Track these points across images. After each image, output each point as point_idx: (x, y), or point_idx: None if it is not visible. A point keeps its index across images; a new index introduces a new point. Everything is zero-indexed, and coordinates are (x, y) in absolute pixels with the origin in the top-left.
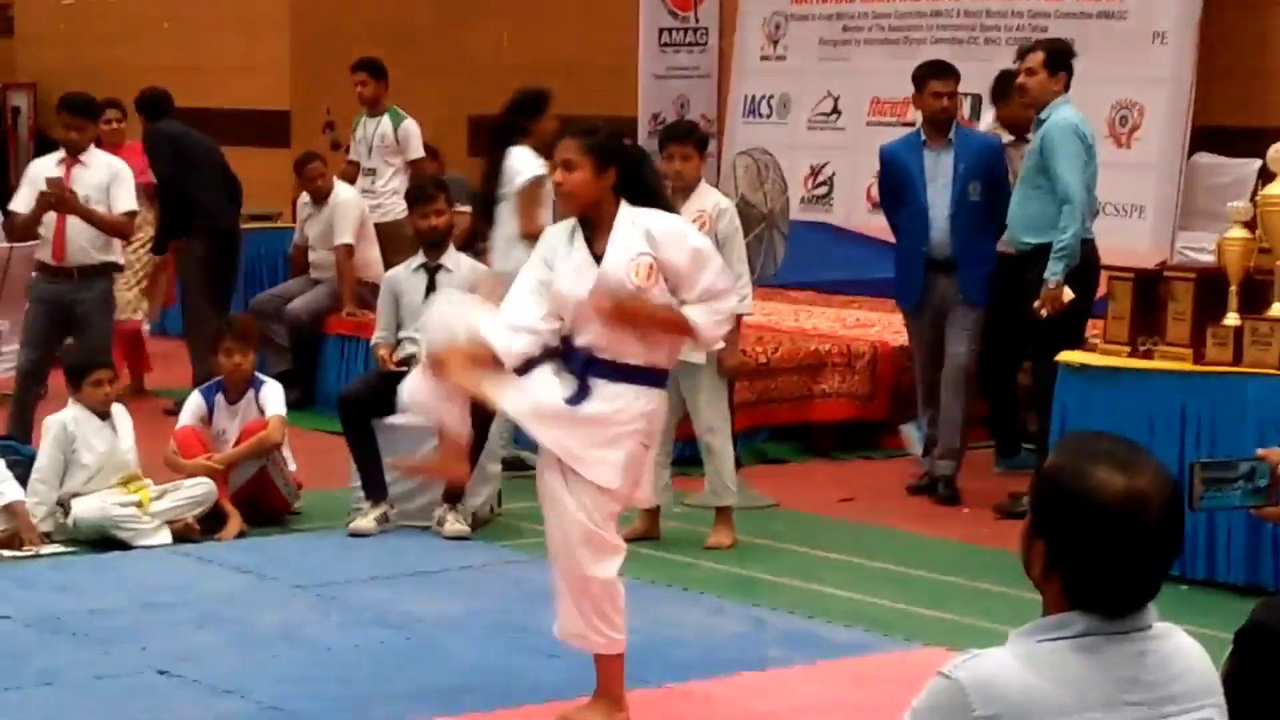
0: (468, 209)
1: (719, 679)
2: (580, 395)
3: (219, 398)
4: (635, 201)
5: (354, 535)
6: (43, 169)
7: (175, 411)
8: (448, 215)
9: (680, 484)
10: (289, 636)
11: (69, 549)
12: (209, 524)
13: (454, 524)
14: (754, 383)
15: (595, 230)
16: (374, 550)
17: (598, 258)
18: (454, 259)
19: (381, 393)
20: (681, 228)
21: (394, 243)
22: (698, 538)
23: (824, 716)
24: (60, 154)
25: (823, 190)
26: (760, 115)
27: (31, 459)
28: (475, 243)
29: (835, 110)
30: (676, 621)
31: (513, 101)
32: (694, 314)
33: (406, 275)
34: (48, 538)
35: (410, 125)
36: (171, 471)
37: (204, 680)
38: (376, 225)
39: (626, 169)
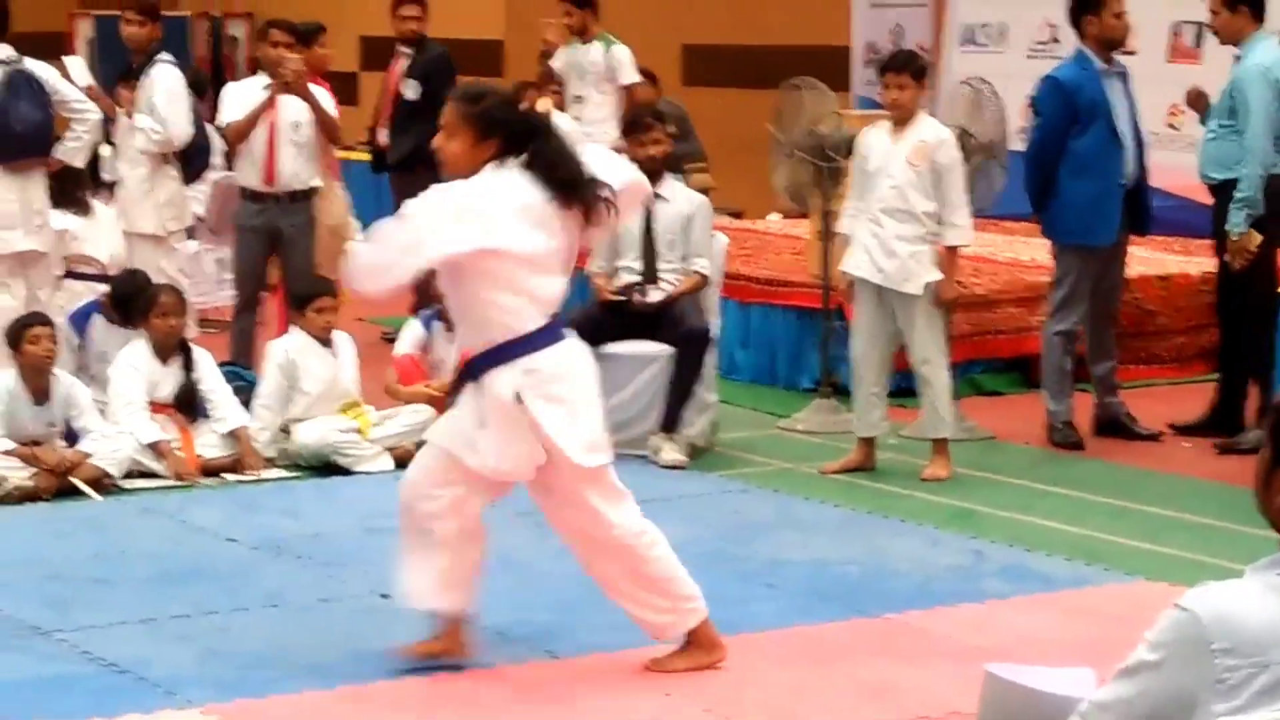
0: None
1: (936, 610)
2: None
3: (437, 325)
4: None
5: None
6: (248, 90)
7: (393, 339)
8: (665, 144)
9: (896, 415)
10: (507, 562)
11: (292, 474)
12: None
13: (670, 453)
14: (971, 314)
15: None
16: None
17: None
18: (670, 188)
19: (600, 322)
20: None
21: None
22: (914, 469)
23: (1042, 650)
24: (264, 79)
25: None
26: (977, 44)
27: (254, 385)
28: (685, 165)
29: (1054, 39)
30: (893, 552)
31: None
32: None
33: None
34: (271, 462)
35: (620, 51)
36: (391, 398)
37: None
38: None
39: (511, 142)
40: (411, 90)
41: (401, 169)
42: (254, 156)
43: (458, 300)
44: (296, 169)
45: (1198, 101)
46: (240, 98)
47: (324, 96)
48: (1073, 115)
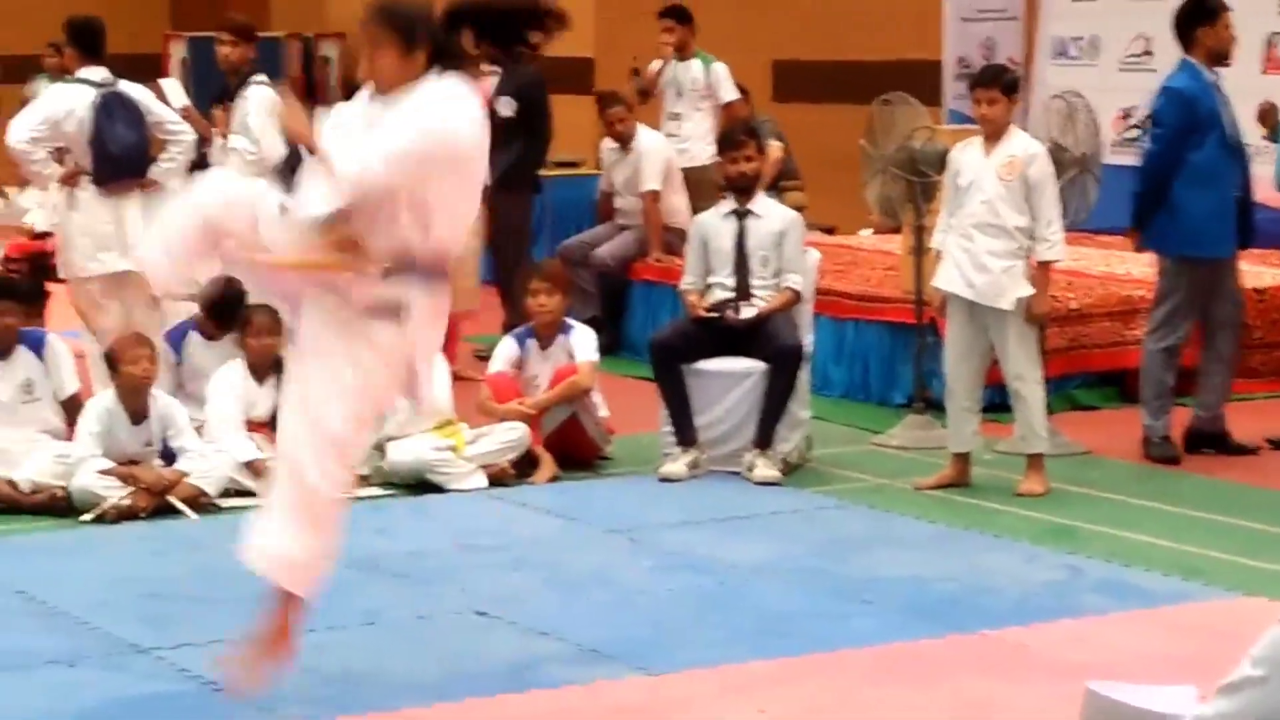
0: (780, 145)
1: (1033, 626)
2: None
3: (531, 343)
4: (443, 62)
5: (664, 480)
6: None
7: (486, 357)
8: (757, 161)
9: (991, 430)
10: (602, 579)
11: (386, 492)
12: (522, 468)
13: (764, 469)
14: (1065, 329)
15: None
16: (684, 495)
17: None
18: (763, 204)
19: (692, 338)
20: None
21: (702, 188)
22: (1009, 484)
23: (1142, 666)
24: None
25: (1135, 133)
26: (1069, 57)
27: None
28: (780, 183)
29: (1147, 51)
30: (989, 568)
31: None
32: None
33: (715, 220)
34: (365, 481)
35: (720, 68)
36: (485, 416)
37: (521, 621)
38: (684, 170)
39: (436, 45)
40: (507, 108)
41: (501, 187)
42: None
43: None
44: None
45: (1266, 117)
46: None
47: None
48: (1192, 126)
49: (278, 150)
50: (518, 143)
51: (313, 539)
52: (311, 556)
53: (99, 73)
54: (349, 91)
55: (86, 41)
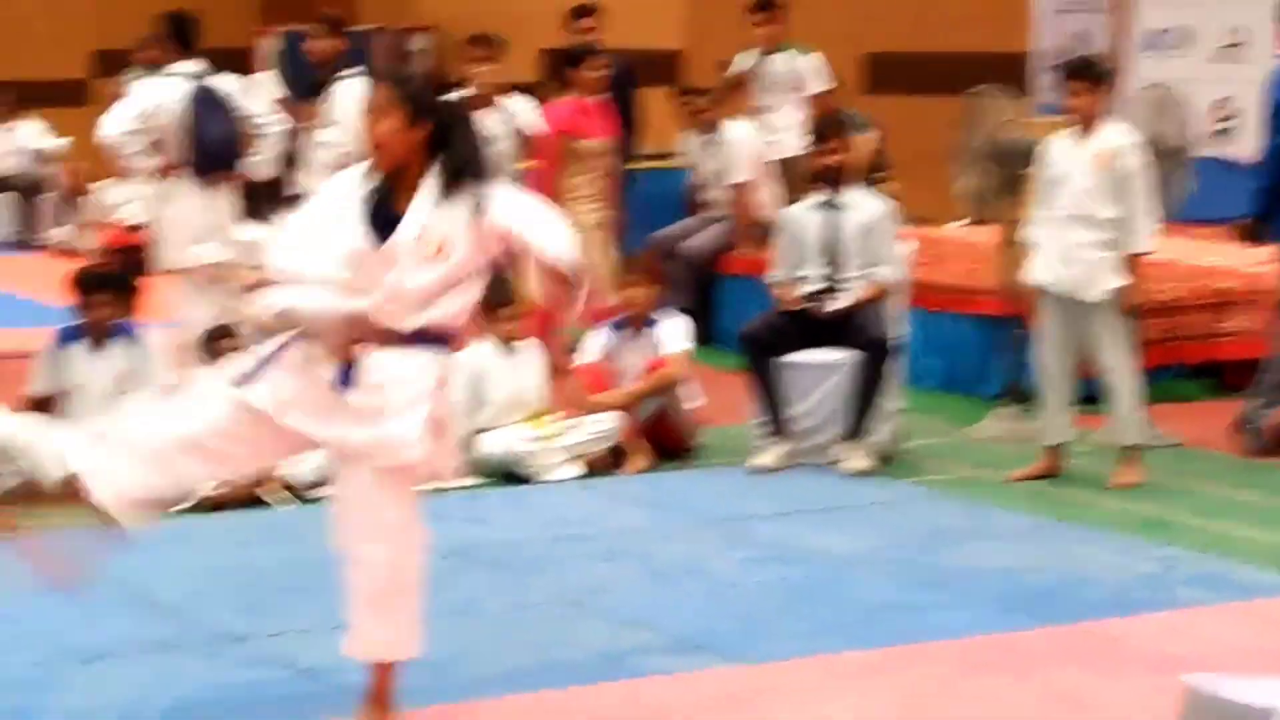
0: (872, 137)
1: (1128, 619)
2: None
3: (622, 334)
4: (450, 165)
5: (755, 471)
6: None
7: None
8: (846, 153)
9: (1085, 422)
10: (694, 570)
11: (479, 482)
12: (614, 459)
13: (855, 460)
14: (1159, 321)
15: (397, 190)
16: (776, 486)
17: (392, 220)
18: (854, 196)
19: (783, 331)
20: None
21: (792, 179)
22: (1102, 476)
23: (1239, 659)
24: (464, 92)
25: (1227, 124)
26: (1161, 48)
27: None
28: (872, 175)
29: (1239, 42)
30: (1084, 560)
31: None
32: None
33: (806, 212)
34: (458, 472)
35: (812, 60)
36: (576, 407)
37: (613, 612)
38: (774, 162)
39: (441, 126)
40: None
41: None
42: None
43: None
44: None
45: None
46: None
47: (526, 108)
48: None
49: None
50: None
51: (400, 614)
52: (403, 629)
53: (193, 66)
54: (438, 88)
55: (181, 35)
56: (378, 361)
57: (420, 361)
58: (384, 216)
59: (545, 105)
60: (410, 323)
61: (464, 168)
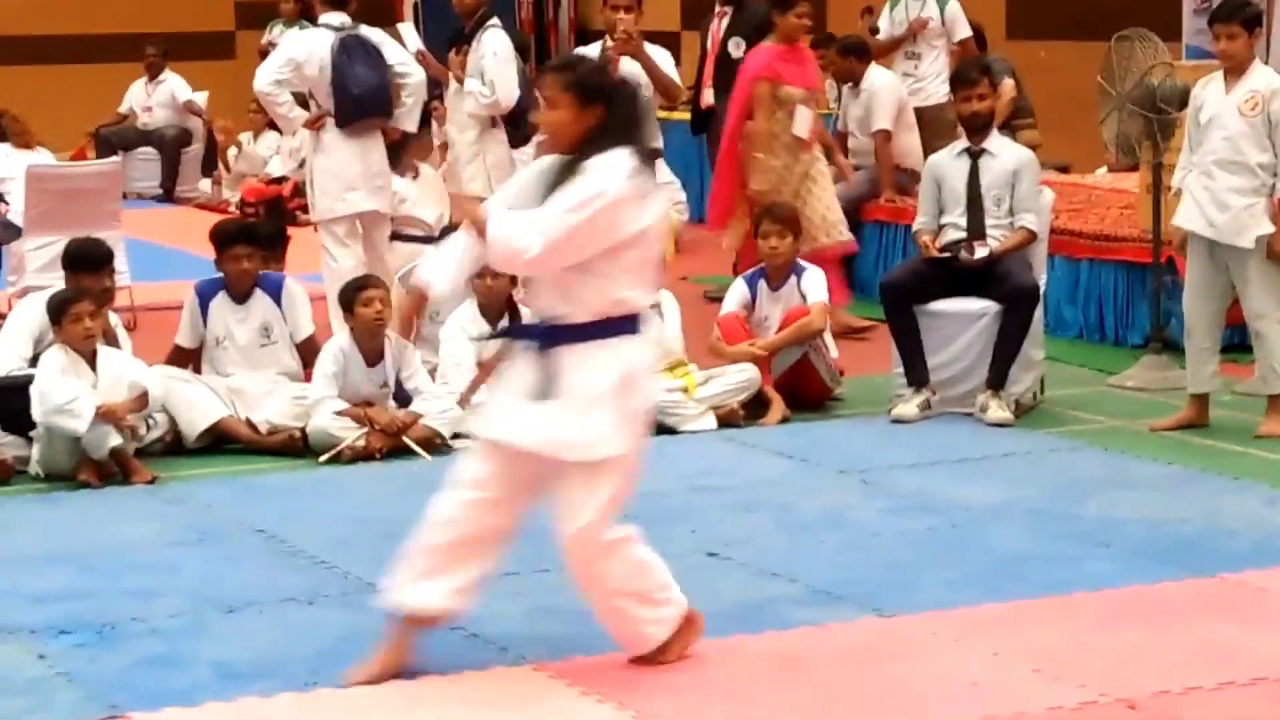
0: (1013, 83)
1: (1273, 570)
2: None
3: (762, 284)
4: (620, 141)
5: (896, 421)
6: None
7: (717, 298)
8: (990, 99)
9: (1230, 371)
10: (834, 521)
11: None
12: (753, 409)
13: (997, 410)
14: None
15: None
16: (916, 436)
17: None
18: (997, 143)
19: (925, 279)
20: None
21: (937, 127)
22: (1248, 426)
23: None
24: (604, 42)
25: None
26: None
27: None
28: (1013, 121)
29: None
30: (1228, 511)
31: None
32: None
33: (949, 160)
34: None
35: (955, 6)
36: (716, 358)
37: (752, 563)
38: (918, 110)
39: (612, 108)
40: (736, 49)
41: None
42: None
43: None
44: None
45: None
46: None
47: (664, 58)
48: None
49: (511, 94)
50: None
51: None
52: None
53: (339, 18)
54: (581, 37)
55: None
56: (564, 358)
57: (603, 356)
58: None
59: (749, 51)
60: (583, 312)
61: (618, 137)
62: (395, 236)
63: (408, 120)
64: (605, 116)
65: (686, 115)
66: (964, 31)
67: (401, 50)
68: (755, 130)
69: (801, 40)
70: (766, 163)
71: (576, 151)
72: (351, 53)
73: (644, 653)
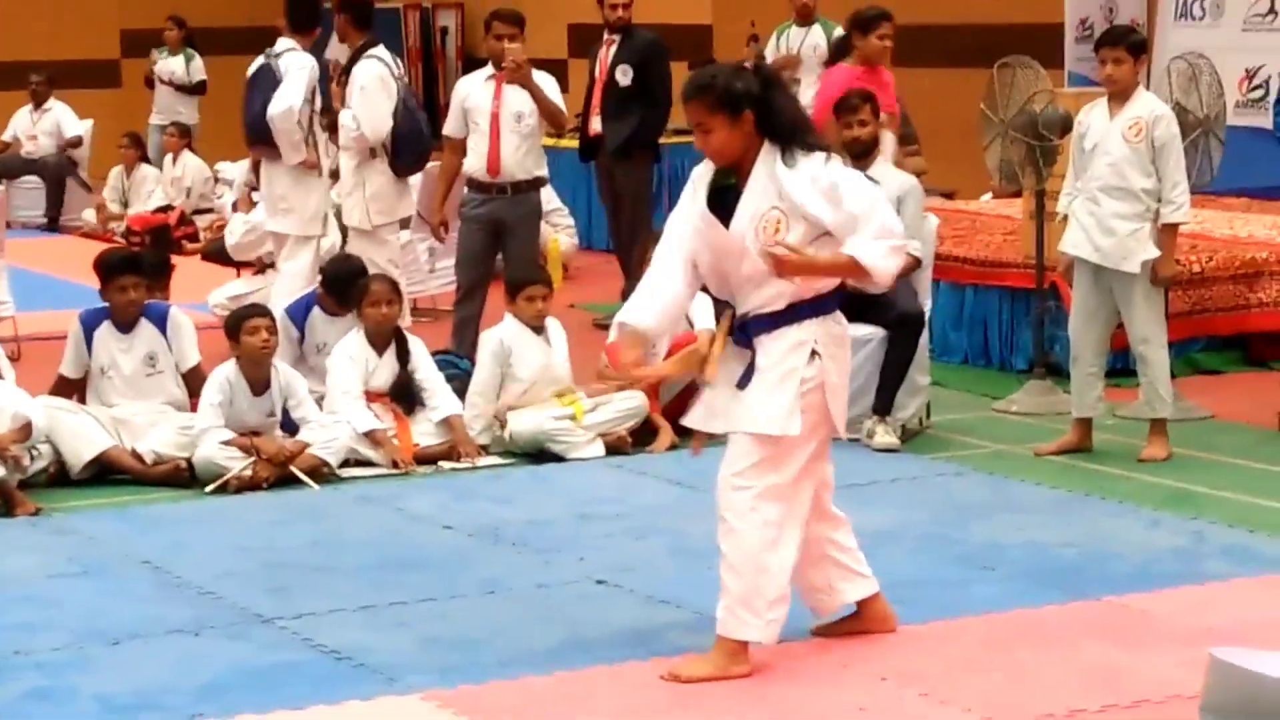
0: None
1: (1157, 593)
2: (749, 372)
3: None
4: (776, 135)
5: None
6: (470, 87)
7: (604, 325)
8: (872, 126)
9: (1114, 395)
10: None
11: (505, 461)
12: (641, 436)
13: (884, 436)
14: (1189, 292)
15: (740, 177)
16: None
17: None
18: (880, 170)
19: None
20: (818, 173)
21: None
22: (1132, 450)
23: (1267, 633)
24: (489, 70)
25: (1259, 94)
26: (1192, 17)
27: (468, 374)
28: (902, 147)
29: (1272, 10)
30: (1112, 534)
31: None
32: (860, 249)
33: None
34: (485, 450)
35: (841, 34)
36: (603, 385)
37: (641, 590)
38: None
39: (760, 106)
40: (624, 76)
41: (619, 155)
42: (478, 147)
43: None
44: (519, 159)
45: None
46: (466, 98)
47: (550, 85)
48: None
49: (378, 127)
50: (636, 110)
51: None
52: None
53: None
54: (468, 64)
55: (361, 14)
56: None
57: (789, 338)
58: (731, 204)
59: (825, 71)
60: (774, 300)
61: (791, 137)
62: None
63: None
64: (756, 119)
65: (575, 143)
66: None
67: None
68: None
69: (883, 62)
70: None
71: (741, 159)
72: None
73: (732, 637)
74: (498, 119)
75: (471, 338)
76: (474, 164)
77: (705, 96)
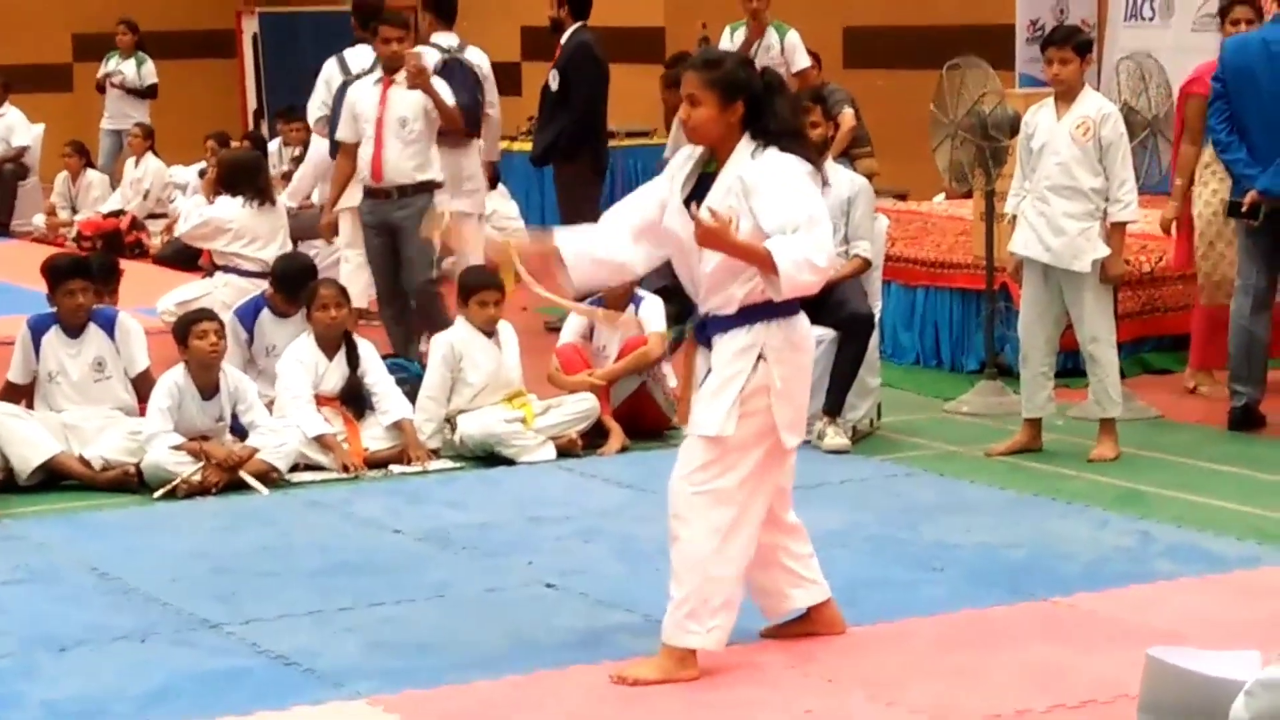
0: (852, 113)
1: (1105, 592)
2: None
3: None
4: (760, 134)
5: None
6: (359, 93)
7: (556, 328)
8: (824, 127)
9: (1063, 396)
10: None
11: (456, 465)
12: (592, 439)
13: (834, 437)
14: (1138, 292)
15: (718, 165)
16: None
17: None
18: (832, 172)
19: None
20: (778, 173)
21: None
22: (1081, 450)
23: (1212, 631)
24: (377, 74)
25: None
26: (1142, 18)
27: (419, 377)
28: (851, 150)
29: (1220, 12)
30: (1060, 535)
31: None
32: (780, 250)
33: None
34: (435, 454)
35: (795, 37)
36: (554, 388)
37: (590, 593)
38: None
39: (754, 103)
40: (553, 80)
41: (563, 159)
42: (364, 153)
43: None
44: (402, 164)
45: None
46: (355, 105)
47: (443, 88)
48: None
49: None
50: (561, 117)
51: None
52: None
53: (449, 39)
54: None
55: (444, 9)
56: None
57: (738, 342)
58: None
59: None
60: (727, 304)
61: (775, 140)
62: (232, 270)
63: (491, 151)
64: (745, 113)
65: (528, 145)
66: (803, 62)
67: (494, 89)
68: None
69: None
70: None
71: (717, 144)
72: (452, 73)
73: (676, 645)
74: (381, 124)
75: (400, 338)
76: (361, 169)
77: (706, 72)
